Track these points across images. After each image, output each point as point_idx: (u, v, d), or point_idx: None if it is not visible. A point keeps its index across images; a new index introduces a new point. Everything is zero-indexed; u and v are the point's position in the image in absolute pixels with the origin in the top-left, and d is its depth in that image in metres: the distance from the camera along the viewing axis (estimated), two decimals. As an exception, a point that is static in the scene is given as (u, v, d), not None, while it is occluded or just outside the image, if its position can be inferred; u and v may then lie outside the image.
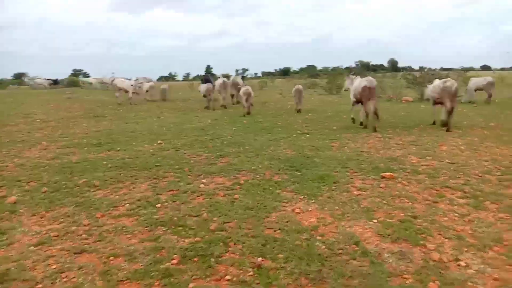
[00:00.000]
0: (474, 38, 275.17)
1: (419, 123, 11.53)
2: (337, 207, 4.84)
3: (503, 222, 4.31)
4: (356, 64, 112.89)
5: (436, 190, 5.41)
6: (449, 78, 11.44)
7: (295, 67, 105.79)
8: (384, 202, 4.99)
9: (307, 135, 9.95)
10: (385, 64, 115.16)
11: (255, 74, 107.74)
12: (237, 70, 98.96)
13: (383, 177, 6.00)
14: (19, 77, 69.42)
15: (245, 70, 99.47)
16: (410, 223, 4.30)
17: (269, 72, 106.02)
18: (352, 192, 5.38)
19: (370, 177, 6.07)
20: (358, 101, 10.79)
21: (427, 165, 6.72)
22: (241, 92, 15.06)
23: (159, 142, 9.25)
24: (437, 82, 11.06)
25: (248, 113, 14.53)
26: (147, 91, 22.30)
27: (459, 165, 6.70)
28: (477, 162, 6.88)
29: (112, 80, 23.11)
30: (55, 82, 48.45)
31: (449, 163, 6.86)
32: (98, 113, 16.05)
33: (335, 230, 4.17)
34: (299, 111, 15.17)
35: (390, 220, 4.40)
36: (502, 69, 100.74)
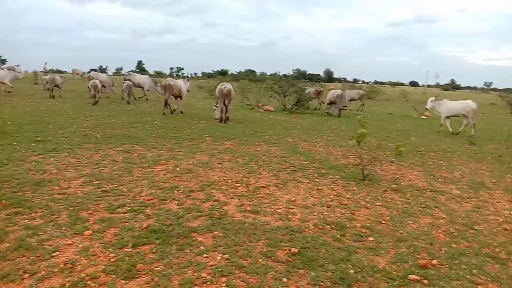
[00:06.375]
0: (408, 56, 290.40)
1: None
2: None
3: None
4: (294, 72, 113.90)
5: None
6: (226, 83, 13.41)
7: (234, 69, 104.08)
8: None
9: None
10: (322, 74, 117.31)
11: (195, 74, 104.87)
12: (171, 68, 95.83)
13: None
14: None
15: (180, 69, 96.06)
16: None
17: (209, 73, 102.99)
18: None
19: None
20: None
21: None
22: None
23: None
24: (218, 87, 13.12)
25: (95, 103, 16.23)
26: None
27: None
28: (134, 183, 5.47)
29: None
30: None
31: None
32: None
33: None
34: (128, 102, 17.83)
35: None
36: (428, 85, 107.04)
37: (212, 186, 5.84)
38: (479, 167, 8.50)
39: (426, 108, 14.61)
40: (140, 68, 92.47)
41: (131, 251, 3.68)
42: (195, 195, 5.40)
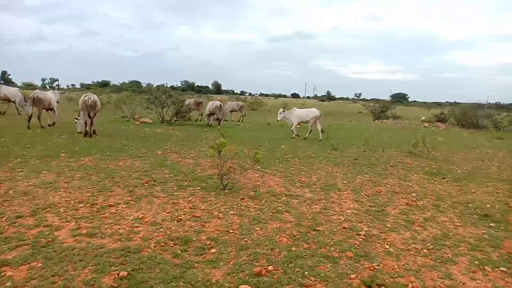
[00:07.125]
0: (290, 69, 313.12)
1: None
2: None
3: None
4: (182, 83, 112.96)
5: None
6: (90, 93, 12.72)
7: (118, 81, 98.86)
8: None
9: None
10: (210, 86, 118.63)
11: (72, 85, 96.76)
12: (43, 80, 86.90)
13: None
14: None
15: (54, 80, 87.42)
16: None
17: (88, 84, 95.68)
18: None
19: None
20: None
21: None
22: None
23: None
24: (81, 98, 12.33)
25: None
26: None
27: None
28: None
29: None
30: None
31: None
32: None
33: None
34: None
35: None
36: (308, 97, 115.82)
37: (48, 209, 5.15)
38: (336, 170, 9.15)
39: (277, 120, 15.58)
40: (5, 80, 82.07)
41: None
42: (22, 221, 4.68)
